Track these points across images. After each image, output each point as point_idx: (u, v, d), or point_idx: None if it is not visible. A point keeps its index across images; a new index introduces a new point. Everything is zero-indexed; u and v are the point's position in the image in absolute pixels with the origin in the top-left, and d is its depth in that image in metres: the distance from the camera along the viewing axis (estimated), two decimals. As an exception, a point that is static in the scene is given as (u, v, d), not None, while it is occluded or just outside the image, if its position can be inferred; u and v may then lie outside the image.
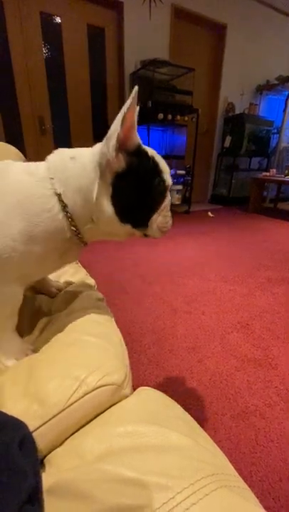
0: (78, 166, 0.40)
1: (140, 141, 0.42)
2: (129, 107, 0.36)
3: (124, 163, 0.39)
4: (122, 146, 0.39)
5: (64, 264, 0.52)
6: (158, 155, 0.45)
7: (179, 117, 2.94)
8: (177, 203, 3.33)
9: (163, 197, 0.46)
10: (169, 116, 2.85)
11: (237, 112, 3.90)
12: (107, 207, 0.41)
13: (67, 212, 0.40)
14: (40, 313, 0.56)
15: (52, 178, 0.40)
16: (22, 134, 2.74)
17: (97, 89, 3.01)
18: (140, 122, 2.92)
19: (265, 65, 4.03)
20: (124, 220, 0.43)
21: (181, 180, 3.37)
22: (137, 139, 0.41)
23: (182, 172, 3.29)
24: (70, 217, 0.41)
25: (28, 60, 2.54)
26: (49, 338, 0.45)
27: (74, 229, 0.42)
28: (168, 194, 0.47)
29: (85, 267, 0.89)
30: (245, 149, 3.79)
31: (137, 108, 0.39)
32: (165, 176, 0.44)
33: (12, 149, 0.98)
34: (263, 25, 3.76)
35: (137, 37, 2.91)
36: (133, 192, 0.41)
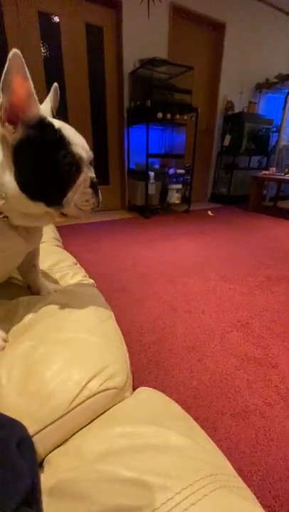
0: None
1: (43, 114, 0.39)
2: (8, 72, 0.34)
3: (19, 135, 0.37)
4: (13, 117, 0.37)
5: (14, 249, 0.50)
6: (70, 128, 0.42)
7: (178, 116, 2.93)
8: (177, 202, 3.32)
9: (75, 172, 0.42)
10: (168, 115, 2.84)
11: (236, 110, 3.89)
12: (10, 182, 0.39)
13: None
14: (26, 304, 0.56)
15: None
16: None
17: (96, 89, 3.00)
18: (139, 121, 2.93)
19: (265, 64, 4.02)
20: (33, 197, 0.40)
21: (181, 179, 3.37)
22: (37, 110, 0.38)
23: (182, 171, 3.28)
24: None
25: (26, 59, 2.51)
26: (44, 332, 0.44)
27: None
28: (84, 169, 0.43)
29: (84, 266, 0.89)
30: (245, 148, 3.78)
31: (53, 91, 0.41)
32: (74, 148, 0.41)
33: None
34: (262, 23, 3.75)
35: (135, 36, 2.91)
36: (34, 166, 0.39)
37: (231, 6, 3.40)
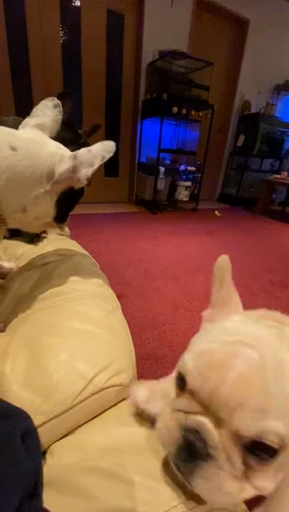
0: (21, 161, 0.43)
1: None
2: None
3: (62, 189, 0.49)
4: None
5: None
6: None
7: (193, 112, 2.88)
8: (185, 199, 3.29)
9: None
10: (184, 111, 2.79)
11: (253, 110, 3.83)
12: (51, 209, 0.50)
13: None
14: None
15: None
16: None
17: (113, 77, 2.95)
18: (154, 114, 2.89)
19: (285, 65, 3.93)
20: (57, 219, 0.53)
21: (191, 176, 3.32)
22: None
23: (192, 168, 3.24)
24: None
25: (44, 43, 2.48)
26: (50, 321, 0.43)
27: None
28: None
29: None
30: (258, 150, 3.73)
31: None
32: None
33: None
34: (286, 22, 3.66)
35: (156, 26, 2.84)
36: (73, 200, 0.54)
37: (257, 3, 3.31)
